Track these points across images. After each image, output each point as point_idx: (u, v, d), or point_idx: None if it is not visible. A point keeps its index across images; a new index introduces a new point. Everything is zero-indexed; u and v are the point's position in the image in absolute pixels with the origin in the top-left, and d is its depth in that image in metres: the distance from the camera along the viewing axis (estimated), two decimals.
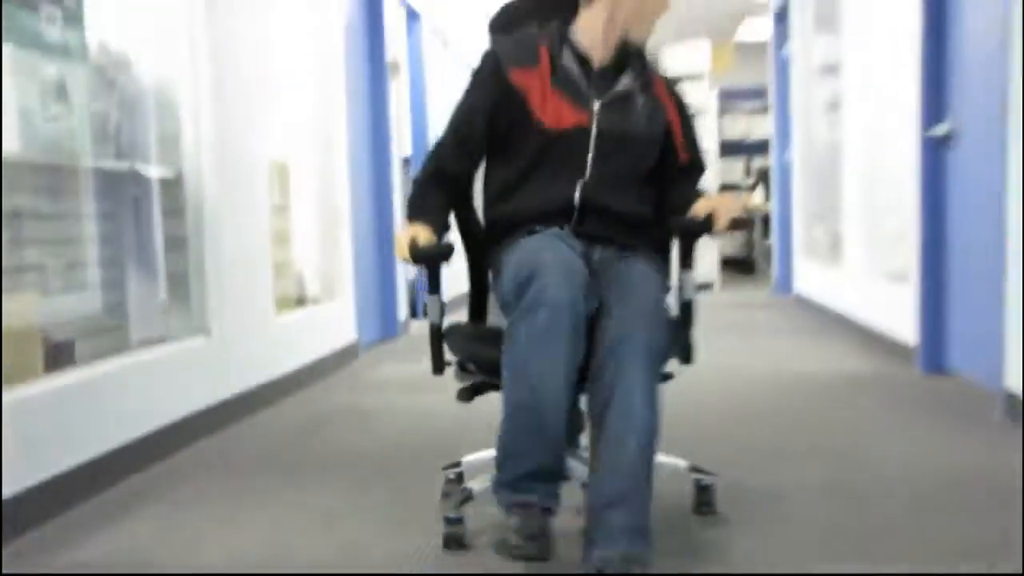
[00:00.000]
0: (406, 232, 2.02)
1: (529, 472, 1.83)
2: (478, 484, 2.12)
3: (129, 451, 2.74)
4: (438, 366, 2.14)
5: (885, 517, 2.21)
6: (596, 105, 2.09)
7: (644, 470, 1.78)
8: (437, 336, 2.12)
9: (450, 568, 1.98)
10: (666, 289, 2.07)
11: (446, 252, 2.03)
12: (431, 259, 2.02)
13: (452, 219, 2.25)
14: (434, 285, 2.09)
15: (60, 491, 2.41)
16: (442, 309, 2.12)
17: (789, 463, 2.72)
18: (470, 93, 2.17)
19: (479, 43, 9.20)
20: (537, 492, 1.83)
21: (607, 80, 2.12)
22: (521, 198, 2.12)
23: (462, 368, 2.14)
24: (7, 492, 2.21)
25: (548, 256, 1.86)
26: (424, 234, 2.02)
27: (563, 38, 2.13)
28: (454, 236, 2.24)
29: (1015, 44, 2.95)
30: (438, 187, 2.19)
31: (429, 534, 2.15)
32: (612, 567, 1.69)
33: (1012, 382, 3.04)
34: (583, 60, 2.12)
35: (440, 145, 2.20)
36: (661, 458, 1.95)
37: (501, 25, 2.30)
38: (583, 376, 1.87)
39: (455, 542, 2.06)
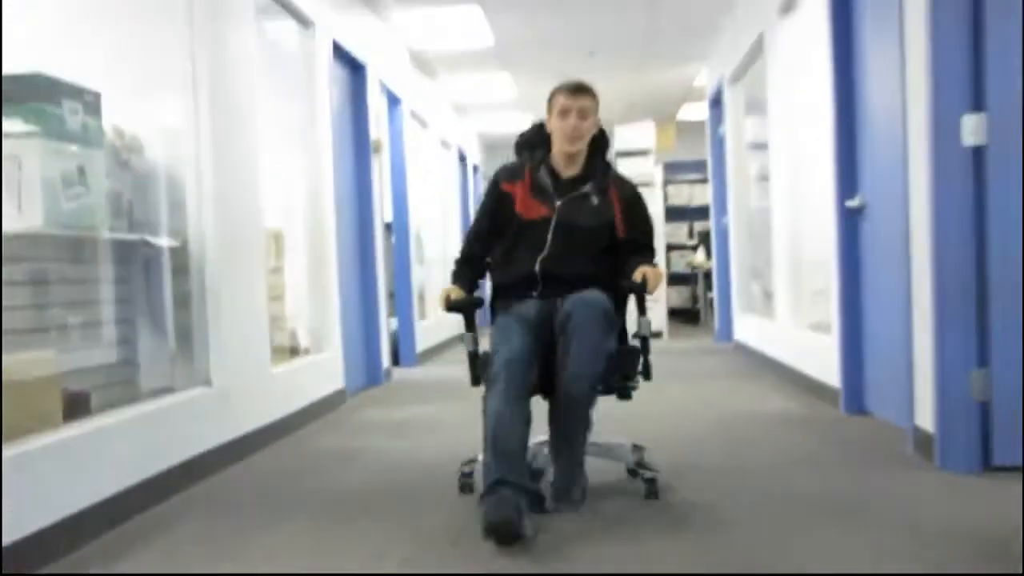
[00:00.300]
0: (444, 291, 2.77)
1: (495, 481, 2.34)
2: (482, 454, 2.48)
3: (137, 492, 2.73)
4: (475, 380, 2.68)
5: (800, 516, 2.28)
6: (558, 203, 2.77)
7: (590, 395, 2.55)
8: (473, 360, 2.72)
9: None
10: (609, 300, 2.64)
11: (468, 304, 2.76)
12: (460, 308, 2.74)
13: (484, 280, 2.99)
14: (469, 326, 2.76)
15: (74, 530, 2.40)
16: (475, 340, 2.74)
17: (724, 476, 2.78)
18: (482, 202, 2.94)
19: (450, 125, 9.39)
20: (500, 493, 2.30)
21: (570, 187, 2.80)
22: (505, 272, 2.85)
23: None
24: (36, 527, 2.21)
25: (507, 344, 2.52)
26: (456, 292, 2.76)
27: (542, 161, 2.83)
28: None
29: (912, 133, 3.08)
30: (467, 263, 2.91)
31: (410, 562, 2.16)
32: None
33: (921, 420, 3.11)
34: (555, 174, 2.81)
35: (468, 235, 2.97)
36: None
37: (521, 143, 2.96)
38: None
39: (468, 488, 2.76)
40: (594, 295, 2.57)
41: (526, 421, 2.43)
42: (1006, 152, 2.79)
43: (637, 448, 2.85)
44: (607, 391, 2.68)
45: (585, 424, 2.58)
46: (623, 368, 2.65)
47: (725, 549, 2.22)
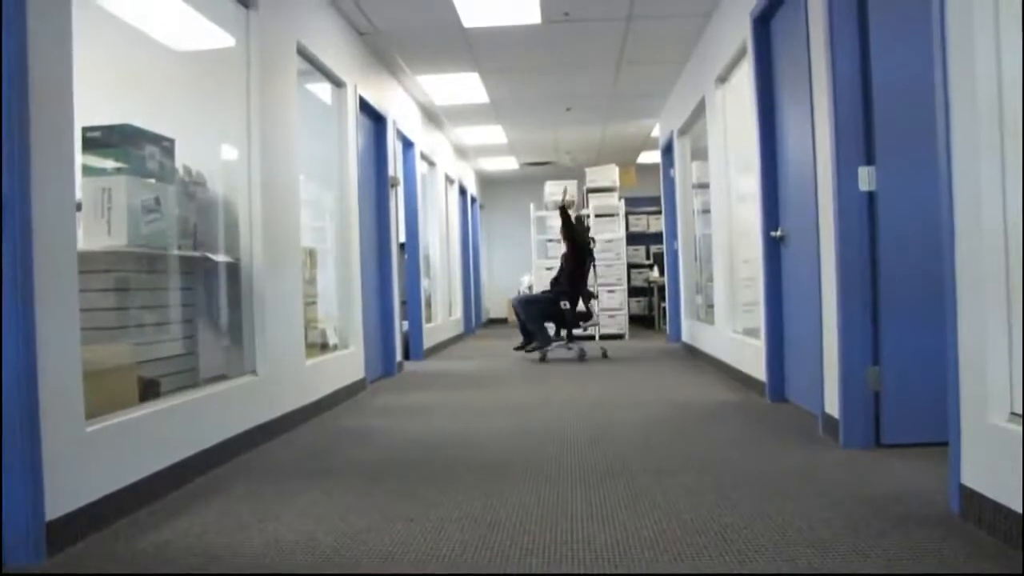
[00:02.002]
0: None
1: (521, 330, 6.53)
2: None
3: (197, 459, 2.76)
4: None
5: (731, 479, 2.31)
6: None
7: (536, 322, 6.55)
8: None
9: (445, 564, 1.99)
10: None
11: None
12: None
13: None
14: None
15: (146, 489, 2.43)
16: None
17: (670, 449, 2.83)
18: None
19: (453, 164, 9.63)
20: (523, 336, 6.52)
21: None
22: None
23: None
24: (117, 486, 2.24)
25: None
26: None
27: None
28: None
29: (821, 180, 3.14)
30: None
31: (418, 520, 2.19)
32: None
33: (829, 407, 3.16)
34: None
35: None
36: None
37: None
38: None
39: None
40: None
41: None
42: (892, 197, 2.86)
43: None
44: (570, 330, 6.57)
45: (539, 331, 6.25)
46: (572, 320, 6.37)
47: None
